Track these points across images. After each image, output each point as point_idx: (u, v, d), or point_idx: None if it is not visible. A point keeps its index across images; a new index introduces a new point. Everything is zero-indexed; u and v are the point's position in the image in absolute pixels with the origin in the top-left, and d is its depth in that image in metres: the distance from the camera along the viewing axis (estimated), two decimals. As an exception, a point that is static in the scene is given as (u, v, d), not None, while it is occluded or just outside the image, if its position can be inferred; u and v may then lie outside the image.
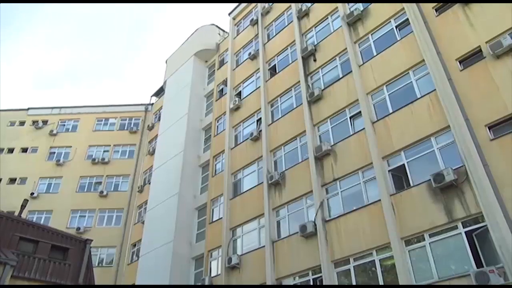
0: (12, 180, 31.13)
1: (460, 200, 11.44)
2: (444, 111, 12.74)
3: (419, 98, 13.95)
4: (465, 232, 11.15)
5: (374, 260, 13.00)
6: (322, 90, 17.73)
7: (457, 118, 12.26)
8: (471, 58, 13.22)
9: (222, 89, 25.75)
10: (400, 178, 13.60)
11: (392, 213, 12.85)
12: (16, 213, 15.29)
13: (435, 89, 13.42)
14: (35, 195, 29.58)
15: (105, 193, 29.87)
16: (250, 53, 23.88)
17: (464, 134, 11.90)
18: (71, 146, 32.85)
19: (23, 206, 14.91)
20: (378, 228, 13.07)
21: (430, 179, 12.04)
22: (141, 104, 35.04)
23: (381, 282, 12.50)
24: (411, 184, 12.92)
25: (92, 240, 13.21)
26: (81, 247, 12.70)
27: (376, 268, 12.87)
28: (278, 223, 17.19)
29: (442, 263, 11.40)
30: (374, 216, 13.41)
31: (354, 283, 13.23)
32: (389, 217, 12.80)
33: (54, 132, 33.65)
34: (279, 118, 19.68)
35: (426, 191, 12.30)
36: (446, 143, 12.62)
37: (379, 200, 13.42)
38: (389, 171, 13.83)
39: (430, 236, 11.83)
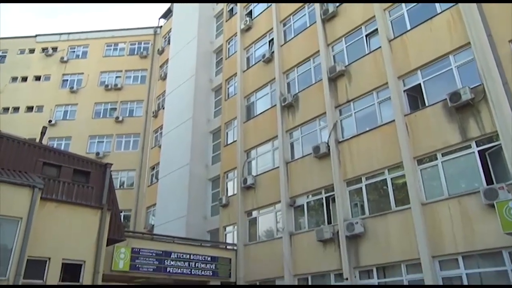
0: (30, 109, 31.70)
1: (475, 120, 11.33)
2: (466, 27, 12.11)
3: (439, 14, 13.21)
4: (478, 151, 11.21)
5: (385, 178, 13.32)
6: (337, 6, 16.88)
7: (479, 34, 11.68)
8: (499, -34, 12.23)
9: (232, 8, 24.69)
10: (415, 98, 13.40)
11: (406, 133, 12.88)
12: (37, 140, 15.76)
13: (456, 4, 12.64)
14: (53, 122, 30.22)
15: (120, 118, 30.34)
16: (260, -32, 22.49)
17: (485, 50, 11.42)
18: (83, 73, 32.78)
19: (42, 133, 15.32)
20: (390, 148, 13.21)
21: (446, 99, 11.85)
22: (150, 27, 34.13)
23: (392, 200, 12.92)
24: (426, 104, 12.77)
25: (112, 164, 13.68)
26: (102, 171, 13.20)
27: (387, 186, 13.24)
28: (292, 144, 17.46)
29: (452, 181, 11.63)
30: (387, 137, 13.48)
31: (365, 200, 13.71)
32: (402, 137, 12.86)
33: (65, 59, 33.39)
34: (292, 38, 19.05)
35: (441, 111, 12.17)
36: (465, 61, 12.18)
37: (393, 120, 13.39)
38: (404, 91, 13.60)
39: (443, 155, 11.94)
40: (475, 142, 11.30)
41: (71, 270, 11.74)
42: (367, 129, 14.33)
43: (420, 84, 13.18)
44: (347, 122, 15.32)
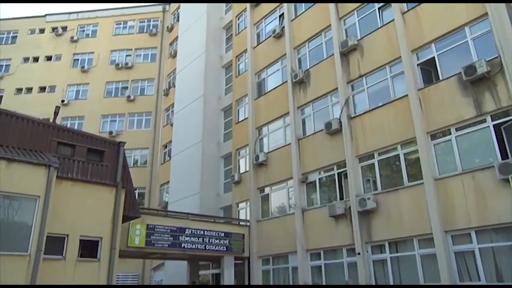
0: (42, 89, 32.00)
1: (491, 93, 11.10)
2: (483, -3, 11.72)
3: (455, -17, 12.78)
4: (494, 126, 11.02)
5: (398, 154, 13.24)
6: (349, -21, 16.45)
7: (497, 4, 11.30)
8: None
9: (241, -17, 24.21)
10: (429, 72, 13.14)
11: (419, 108, 12.70)
12: (51, 120, 15.95)
13: (474, -28, 12.19)
14: (65, 102, 30.51)
15: (132, 97, 30.47)
16: None
17: (503, 21, 11.06)
18: (93, 52, 32.80)
19: (56, 113, 15.47)
20: (403, 123, 13.07)
21: (460, 72, 11.60)
22: (158, 4, 33.81)
23: (405, 175, 12.88)
24: (440, 78, 12.52)
25: (125, 143, 13.80)
26: (116, 149, 13.35)
27: (400, 162, 13.17)
28: (303, 121, 17.38)
29: (466, 156, 11.51)
30: (400, 112, 13.32)
31: (378, 176, 13.68)
32: (415, 112, 12.69)
33: (75, 38, 33.39)
34: (303, 13, 18.68)
35: (455, 85, 11.93)
36: (481, 33, 11.83)
37: (406, 95, 13.19)
38: (418, 65, 13.33)
39: (457, 130, 11.78)
40: (490, 116, 11.10)
41: (89, 247, 12.07)
42: (380, 104, 14.16)
43: (434, 57, 12.89)
44: (360, 98, 15.15)
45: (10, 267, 9.51)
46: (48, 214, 10.25)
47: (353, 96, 15.33)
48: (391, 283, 12.43)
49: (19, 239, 9.92)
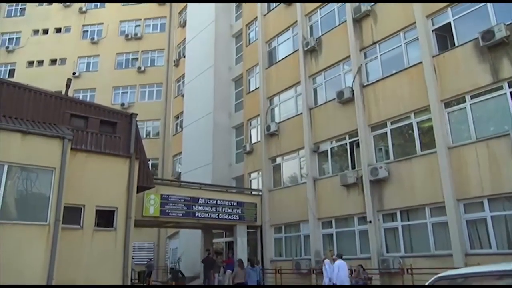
0: (53, 61, 32.04)
1: (509, 59, 10.76)
2: (503, -43, 11.20)
3: None
4: (510, 93, 10.75)
5: (411, 122, 13.09)
6: None
7: (517, -36, 10.82)
8: None
9: None
10: (444, 38, 12.78)
11: (434, 75, 12.42)
12: (63, 93, 16.04)
13: None
14: (77, 74, 30.57)
15: (142, 68, 30.38)
16: None
17: (523, -17, 10.61)
18: (102, 23, 32.52)
19: (67, 86, 15.52)
20: (417, 91, 12.83)
21: (477, 38, 11.23)
22: (166, -28, 33.07)
23: (417, 144, 12.77)
24: (456, 44, 12.17)
25: (137, 114, 13.86)
26: (128, 121, 13.42)
27: (413, 131, 13.04)
28: (315, 90, 17.19)
29: (481, 124, 11.32)
30: (414, 79, 13.06)
31: (390, 145, 13.60)
32: (430, 80, 12.43)
33: (83, 9, 33.06)
34: (314, -22, 18.13)
35: (471, 51, 11.60)
36: (501, -5, 11.37)
37: (421, 62, 12.89)
38: (433, 30, 12.94)
39: (472, 97, 11.54)
40: (508, 83, 10.81)
41: (105, 216, 12.37)
42: (393, 72, 13.89)
43: (450, 22, 12.48)
44: (372, 65, 14.86)
45: (31, 236, 9.84)
46: (64, 185, 10.46)
47: (365, 64, 15.05)
48: (402, 251, 12.57)
49: (39, 209, 10.19)
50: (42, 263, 9.76)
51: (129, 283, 12.46)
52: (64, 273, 10.32)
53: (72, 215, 11.35)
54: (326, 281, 11.51)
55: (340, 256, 11.57)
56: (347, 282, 11.17)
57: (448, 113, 12.10)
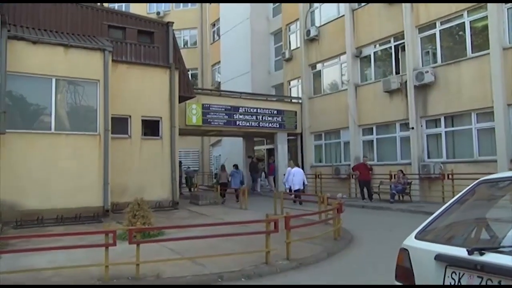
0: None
1: None
2: None
3: None
4: None
5: (463, 22, 12.07)
6: None
7: None
8: None
9: None
10: None
11: (494, -35, 11.07)
12: (98, 4, 15.87)
13: None
14: (110, -18, 29.74)
15: (176, -27, 29.02)
16: None
17: None
18: None
19: (102, -5, 15.31)
20: (473, -14, 11.60)
21: None
22: None
23: (468, 45, 11.92)
24: None
25: (173, 23, 13.61)
26: (165, 30, 13.24)
27: (464, 31, 12.08)
28: (358, -11, 15.96)
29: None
30: (471, -28, 11.73)
31: (438, 48, 12.77)
32: (489, -29, 11.13)
33: None
34: None
35: None
36: None
37: (480, -49, 11.44)
38: None
39: (537, -11, 10.34)
40: None
41: (151, 126, 12.92)
42: (447, -36, 12.51)
43: None
44: (424, -42, 13.40)
45: (84, 145, 10.54)
46: (109, 96, 10.83)
47: (416, -44, 13.58)
48: (444, 157, 12.47)
49: (88, 120, 10.74)
50: (97, 169, 10.56)
51: (177, 186, 13.39)
52: (117, 177, 11.19)
53: (120, 125, 11.93)
54: (286, 186, 13.87)
55: (296, 165, 14.25)
56: (298, 186, 13.24)
57: (507, 8, 10.99)
